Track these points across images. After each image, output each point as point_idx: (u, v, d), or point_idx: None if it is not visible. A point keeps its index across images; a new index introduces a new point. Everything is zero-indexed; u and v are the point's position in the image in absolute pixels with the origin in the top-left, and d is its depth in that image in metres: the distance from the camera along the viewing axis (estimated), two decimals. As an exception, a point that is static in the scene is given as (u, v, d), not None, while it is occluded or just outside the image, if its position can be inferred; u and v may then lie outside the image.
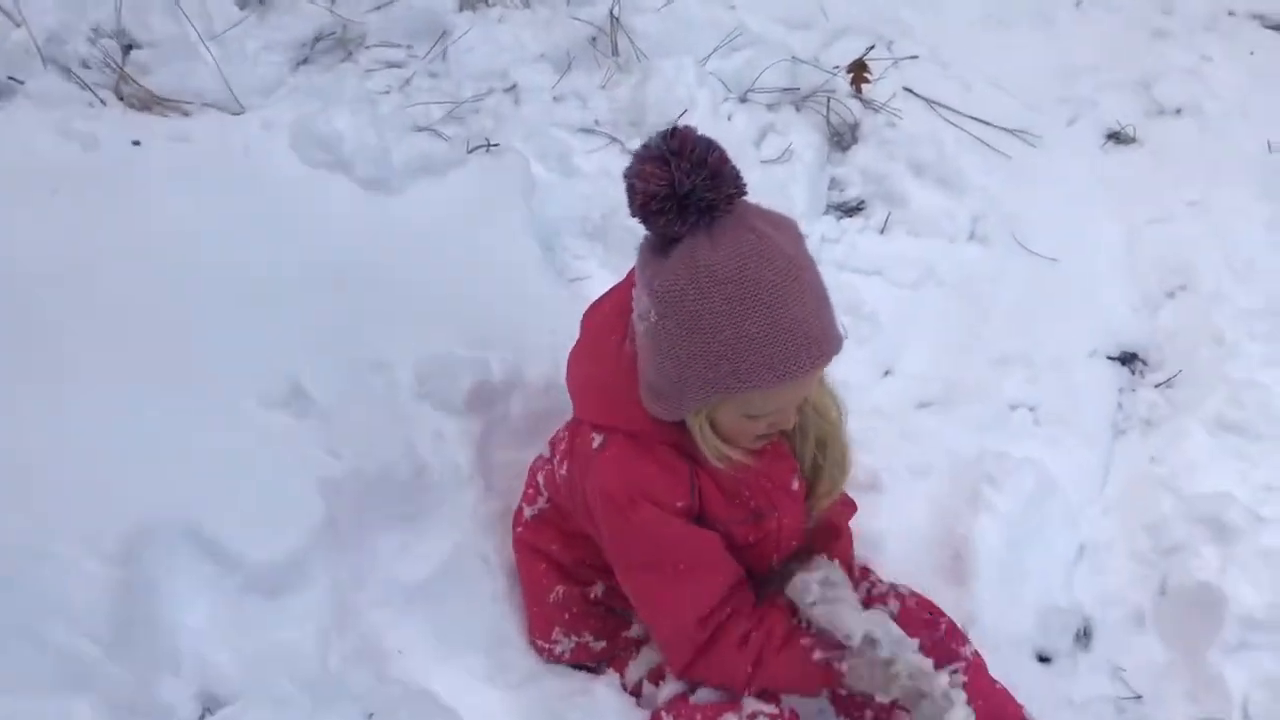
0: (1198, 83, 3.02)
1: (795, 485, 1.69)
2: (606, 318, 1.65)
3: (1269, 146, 2.87)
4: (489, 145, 2.51)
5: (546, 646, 1.81)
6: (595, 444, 1.60)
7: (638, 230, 1.48)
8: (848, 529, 1.86)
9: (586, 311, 1.75)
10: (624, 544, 1.62)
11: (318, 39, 2.75)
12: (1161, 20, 3.16)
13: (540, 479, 1.79)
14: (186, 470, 1.72)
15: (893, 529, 1.97)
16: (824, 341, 1.45)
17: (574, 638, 1.79)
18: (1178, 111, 2.98)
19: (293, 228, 2.16)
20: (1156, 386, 2.32)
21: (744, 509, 1.64)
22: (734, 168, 1.42)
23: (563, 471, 1.68)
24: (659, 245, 1.45)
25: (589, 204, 2.52)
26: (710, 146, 1.39)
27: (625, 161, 1.49)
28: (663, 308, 1.42)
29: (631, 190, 1.41)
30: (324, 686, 1.63)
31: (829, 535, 1.81)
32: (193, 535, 1.67)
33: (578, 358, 1.72)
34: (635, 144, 2.07)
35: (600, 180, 2.53)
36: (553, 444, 1.75)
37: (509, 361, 1.97)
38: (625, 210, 1.45)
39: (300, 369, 1.87)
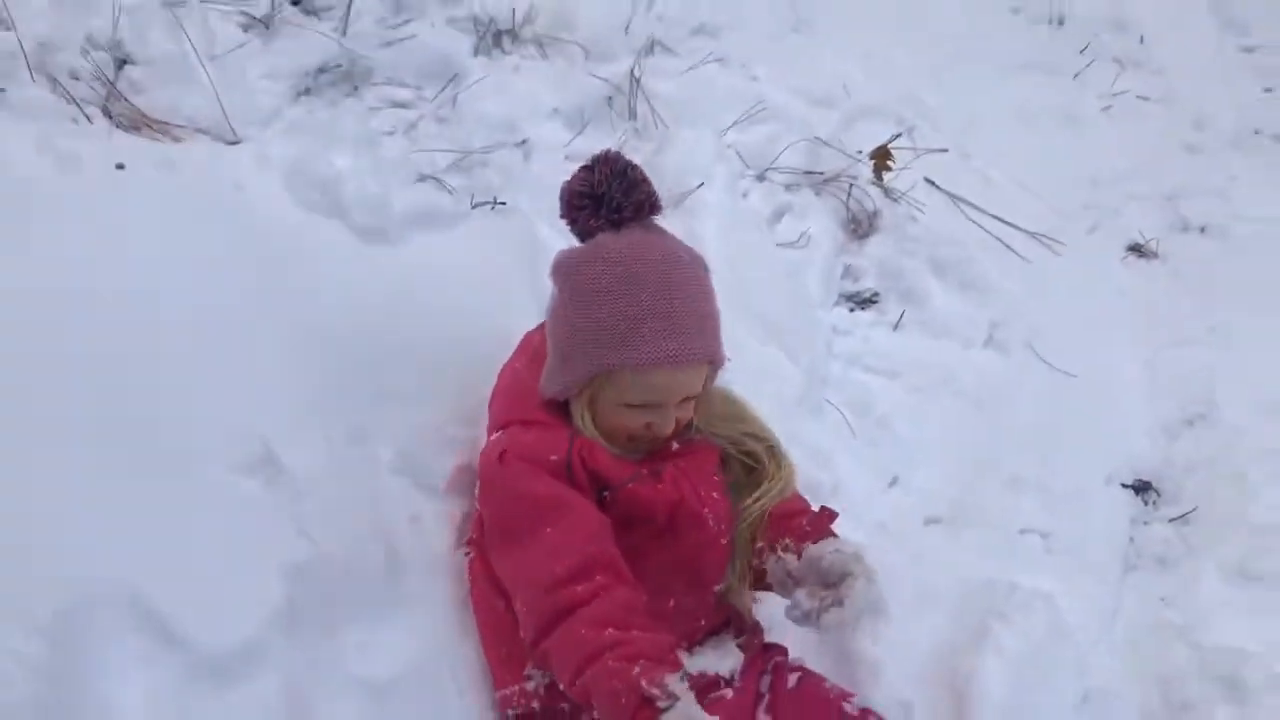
0: (1224, 202, 2.96)
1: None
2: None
3: (1296, 273, 2.79)
4: (495, 202, 2.37)
5: (517, 691, 1.63)
6: (493, 440, 1.69)
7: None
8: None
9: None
10: (491, 511, 1.63)
11: (322, 70, 2.59)
12: (1192, 135, 3.10)
13: None
14: (136, 537, 1.54)
15: (891, 656, 1.82)
16: (698, 339, 1.59)
17: (548, 673, 1.57)
18: (1202, 230, 2.92)
19: (280, 275, 2.00)
20: (1171, 521, 2.22)
21: (633, 465, 1.65)
22: (650, 185, 1.67)
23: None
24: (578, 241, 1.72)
25: (596, 272, 2.39)
26: (631, 164, 1.67)
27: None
28: (561, 281, 1.67)
29: (561, 193, 1.71)
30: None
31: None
32: (136, 610, 1.50)
33: (501, 371, 1.84)
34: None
35: (609, 249, 2.41)
36: None
37: (499, 442, 1.83)
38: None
39: (275, 431, 1.72)
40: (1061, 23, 3.46)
